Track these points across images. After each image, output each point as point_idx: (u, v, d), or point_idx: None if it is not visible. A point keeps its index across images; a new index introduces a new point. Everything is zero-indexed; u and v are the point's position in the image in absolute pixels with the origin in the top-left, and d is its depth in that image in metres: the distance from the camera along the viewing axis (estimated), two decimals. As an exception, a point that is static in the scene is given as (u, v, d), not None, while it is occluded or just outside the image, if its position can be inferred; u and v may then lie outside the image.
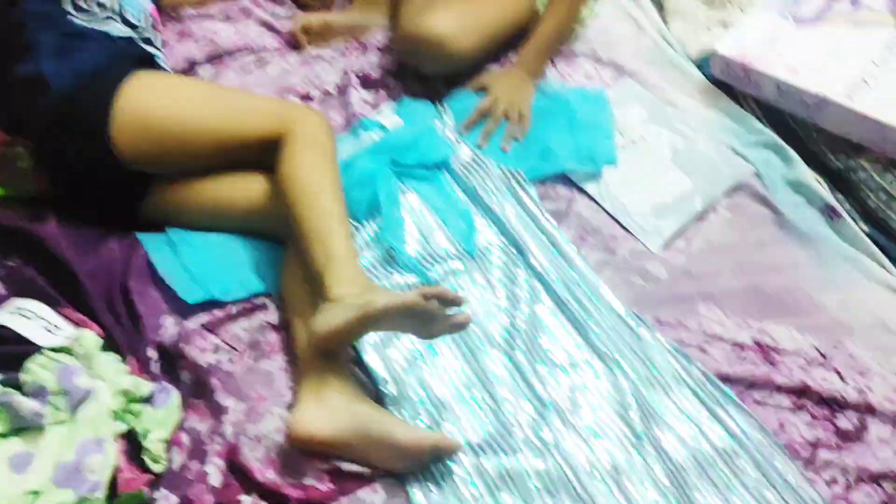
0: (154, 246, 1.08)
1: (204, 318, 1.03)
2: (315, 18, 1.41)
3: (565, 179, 1.21)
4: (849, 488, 0.90)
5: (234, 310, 1.04)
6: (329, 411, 0.88)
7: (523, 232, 1.13)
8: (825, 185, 1.20)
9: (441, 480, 0.90)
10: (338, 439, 0.87)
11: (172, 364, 1.01)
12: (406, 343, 1.01)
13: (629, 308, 1.05)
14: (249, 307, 1.05)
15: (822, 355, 1.02)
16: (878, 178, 1.17)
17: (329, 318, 0.88)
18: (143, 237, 1.08)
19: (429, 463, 0.90)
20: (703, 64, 1.37)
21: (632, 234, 1.14)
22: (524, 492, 0.89)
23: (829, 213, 1.17)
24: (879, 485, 0.90)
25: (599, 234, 1.15)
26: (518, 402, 0.97)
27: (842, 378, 1.00)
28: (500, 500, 0.89)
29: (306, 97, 1.32)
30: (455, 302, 0.89)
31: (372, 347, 0.99)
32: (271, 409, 0.96)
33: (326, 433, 0.87)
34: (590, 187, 1.20)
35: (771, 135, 1.25)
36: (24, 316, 0.94)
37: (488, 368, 0.99)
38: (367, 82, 1.34)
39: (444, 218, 1.15)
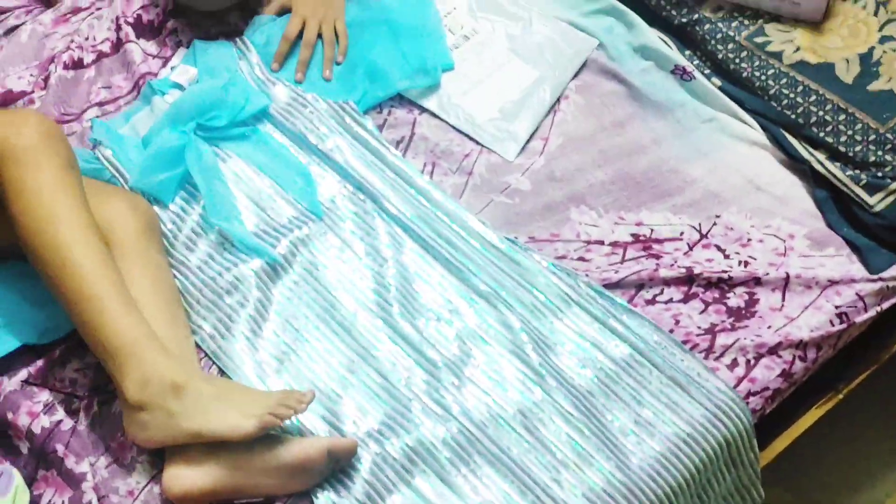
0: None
1: (23, 372, 0.87)
2: None
3: (403, 100, 1.08)
4: (750, 366, 0.89)
5: (57, 352, 0.88)
6: (197, 463, 0.76)
7: (368, 174, 1.00)
8: (673, 44, 1.13)
9: (348, 481, 0.82)
10: (220, 486, 0.77)
11: (4, 435, 0.85)
12: (270, 336, 0.90)
13: (500, 233, 0.96)
14: (75, 343, 0.89)
15: (701, 233, 0.99)
16: (723, 28, 1.10)
17: (147, 434, 0.76)
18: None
19: (329, 470, 0.81)
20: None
21: (485, 147, 1.04)
22: (436, 467, 0.83)
23: (681, 74, 1.10)
24: (778, 355, 0.90)
25: (451, 155, 1.04)
26: (408, 370, 0.88)
27: (724, 254, 0.97)
28: (413, 485, 0.82)
29: (77, 64, 1.09)
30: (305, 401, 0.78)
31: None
32: (138, 456, 0.83)
33: (205, 485, 0.76)
34: (430, 102, 1.07)
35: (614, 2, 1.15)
36: None
37: (367, 341, 0.90)
38: (145, 29, 1.12)
39: (276, 179, 1.00)
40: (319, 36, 1.09)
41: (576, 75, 1.10)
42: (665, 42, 1.12)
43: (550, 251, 0.97)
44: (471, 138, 1.05)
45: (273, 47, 1.09)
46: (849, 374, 1.00)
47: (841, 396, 1.00)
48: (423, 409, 0.86)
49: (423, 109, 1.07)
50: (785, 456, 0.96)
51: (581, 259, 0.97)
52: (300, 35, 1.08)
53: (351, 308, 0.92)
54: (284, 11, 1.11)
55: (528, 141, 1.05)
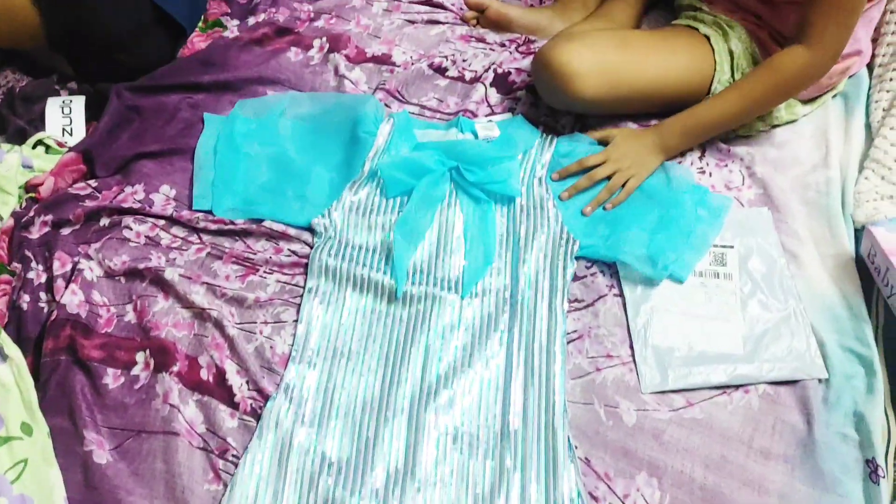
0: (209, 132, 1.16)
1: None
2: (495, 5, 1.37)
3: (611, 271, 1.09)
4: None
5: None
6: None
7: (529, 304, 1.04)
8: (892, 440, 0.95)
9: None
10: None
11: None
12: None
13: (568, 437, 0.94)
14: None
15: None
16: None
17: None
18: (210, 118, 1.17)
19: None
20: (858, 235, 1.13)
21: (635, 361, 1.01)
22: None
23: (873, 470, 0.93)
24: None
25: (600, 344, 1.03)
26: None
27: None
28: None
29: (438, 69, 1.31)
30: None
31: None
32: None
33: None
34: (629, 288, 1.07)
35: (874, 354, 1.01)
36: (63, 106, 1.10)
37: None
38: (501, 84, 1.29)
39: (468, 243, 1.10)
40: (607, 178, 1.15)
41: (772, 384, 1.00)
42: (889, 430, 0.96)
43: (590, 483, 0.92)
44: (631, 346, 1.03)
45: (567, 161, 1.18)
46: None
47: None
48: None
49: (621, 293, 1.07)
50: None
51: (608, 515, 0.90)
52: (595, 169, 1.15)
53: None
54: (603, 141, 1.19)
55: (665, 394, 0.99)
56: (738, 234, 1.12)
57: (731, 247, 1.12)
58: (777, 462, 0.94)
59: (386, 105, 1.25)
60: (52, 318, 0.99)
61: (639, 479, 0.93)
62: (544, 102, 1.23)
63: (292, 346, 1.00)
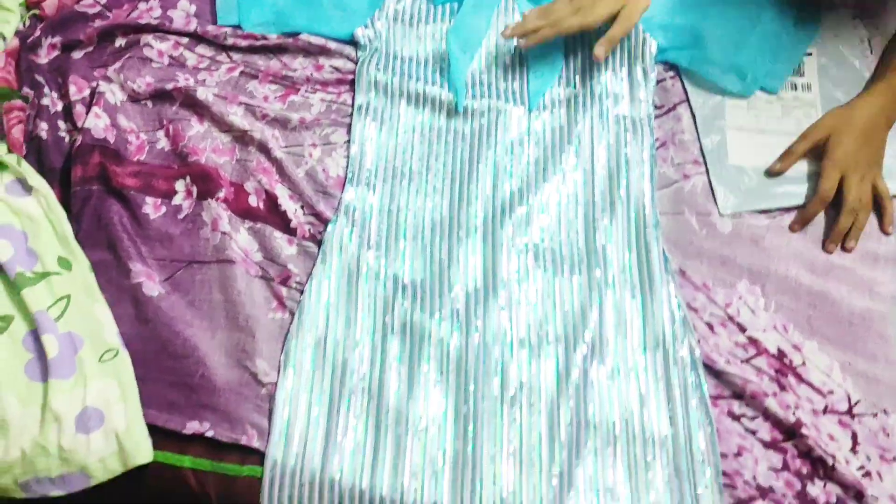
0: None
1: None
2: None
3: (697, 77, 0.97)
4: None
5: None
6: None
7: (608, 113, 0.93)
8: None
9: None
10: None
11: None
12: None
13: (663, 249, 0.85)
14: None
15: (850, 409, 0.79)
16: None
17: None
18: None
19: None
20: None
21: (711, 180, 0.90)
22: None
23: None
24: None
25: (686, 150, 0.93)
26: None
27: (854, 447, 0.77)
28: None
29: None
30: None
31: None
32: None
33: None
34: (698, 102, 0.94)
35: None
36: None
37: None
38: None
39: (531, 55, 0.97)
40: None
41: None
42: None
43: (688, 295, 0.85)
44: (705, 162, 0.92)
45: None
46: None
47: None
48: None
49: (687, 98, 0.96)
50: None
51: (709, 326, 0.83)
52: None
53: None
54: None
55: (756, 211, 0.90)
56: (818, 40, 1.00)
57: (809, 54, 1.01)
58: (887, 265, 0.87)
59: None
60: (78, 143, 0.88)
61: (740, 286, 0.85)
62: None
63: (346, 167, 0.90)
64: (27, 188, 0.86)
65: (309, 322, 0.81)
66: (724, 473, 0.76)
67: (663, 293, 0.83)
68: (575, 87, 0.95)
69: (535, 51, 0.96)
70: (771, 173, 0.91)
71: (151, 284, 0.83)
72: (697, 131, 0.94)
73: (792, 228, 0.88)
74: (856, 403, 0.79)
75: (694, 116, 0.94)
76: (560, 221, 0.87)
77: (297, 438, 0.76)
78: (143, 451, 0.76)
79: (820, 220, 0.89)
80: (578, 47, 0.97)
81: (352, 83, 0.96)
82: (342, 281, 0.83)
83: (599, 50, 0.89)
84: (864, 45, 1.00)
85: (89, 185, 0.87)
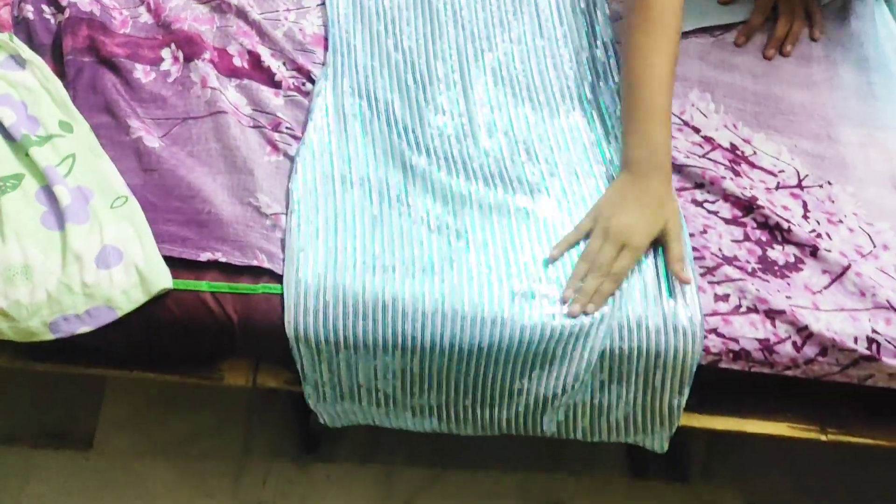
0: None
1: None
2: None
3: None
4: (737, 310, 0.80)
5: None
6: None
7: None
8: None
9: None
10: None
11: None
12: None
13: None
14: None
15: (799, 182, 0.88)
16: None
17: None
18: None
19: None
20: None
21: None
22: None
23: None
24: (773, 322, 0.79)
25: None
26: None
27: (805, 214, 0.86)
28: None
29: None
30: None
31: None
32: None
33: None
34: None
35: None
36: None
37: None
38: None
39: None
40: None
41: None
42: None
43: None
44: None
45: None
46: (849, 424, 0.86)
47: (824, 439, 0.86)
48: None
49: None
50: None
51: (668, 131, 0.92)
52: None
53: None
54: None
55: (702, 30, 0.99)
56: None
57: None
58: (819, 62, 0.96)
59: None
60: (66, 16, 0.92)
61: (692, 95, 0.94)
62: None
63: (322, 26, 0.96)
64: (21, 62, 0.90)
65: (308, 160, 0.87)
66: (693, 248, 0.84)
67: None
68: None
69: None
70: (721, 1, 0.99)
71: (151, 138, 0.88)
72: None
73: (737, 42, 0.97)
74: (804, 177, 0.88)
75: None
76: (530, 67, 0.95)
77: (305, 256, 0.81)
78: (163, 278, 0.81)
79: (759, 35, 0.98)
80: None
81: (318, -49, 1.02)
82: (334, 125, 0.89)
83: (686, 275, 0.79)
84: None
85: (81, 56, 0.91)
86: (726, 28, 0.99)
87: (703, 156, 0.90)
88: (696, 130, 0.91)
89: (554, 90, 0.93)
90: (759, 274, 0.83)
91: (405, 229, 0.83)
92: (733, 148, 0.90)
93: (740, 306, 0.81)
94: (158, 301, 0.80)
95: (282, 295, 0.80)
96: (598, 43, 0.96)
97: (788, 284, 0.82)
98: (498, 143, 0.89)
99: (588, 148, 0.89)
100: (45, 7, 0.95)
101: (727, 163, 0.89)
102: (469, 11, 0.98)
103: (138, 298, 0.81)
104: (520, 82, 0.94)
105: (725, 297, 0.81)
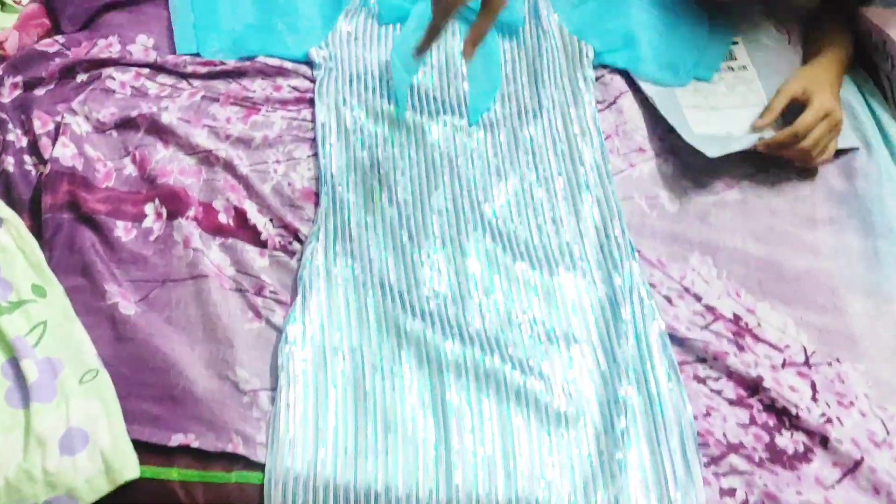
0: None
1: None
2: None
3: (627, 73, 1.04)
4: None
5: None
6: None
7: (556, 122, 0.99)
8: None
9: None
10: None
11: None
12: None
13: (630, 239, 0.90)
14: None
15: (807, 360, 0.84)
16: None
17: None
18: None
19: None
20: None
21: (684, 142, 0.95)
22: None
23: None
24: (781, 519, 0.74)
25: (630, 139, 0.99)
26: None
27: (814, 396, 0.82)
28: None
29: None
30: None
31: None
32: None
33: None
34: (652, 90, 1.02)
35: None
36: None
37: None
38: None
39: (471, 72, 1.02)
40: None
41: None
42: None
43: (645, 272, 0.89)
44: (661, 138, 0.99)
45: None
46: None
47: None
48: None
49: (638, 87, 1.03)
50: None
51: (667, 299, 0.88)
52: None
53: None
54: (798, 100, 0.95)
55: (702, 182, 0.95)
56: (741, 33, 1.08)
57: (736, 42, 1.09)
58: (824, 225, 0.93)
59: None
60: (47, 171, 0.89)
61: (692, 259, 0.91)
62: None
63: (313, 180, 0.93)
64: (-4, 220, 0.87)
65: (296, 330, 0.82)
66: (697, 433, 0.79)
67: (633, 280, 0.87)
68: (522, 100, 1.01)
69: (475, 65, 1.01)
70: (756, 129, 0.96)
71: (127, 304, 0.84)
72: (656, 112, 0.99)
73: (759, 148, 0.93)
74: (812, 354, 0.84)
75: (649, 99, 1.00)
76: (528, 227, 0.91)
77: (293, 443, 0.76)
78: (129, 467, 0.76)
79: (762, 194, 0.95)
80: (522, 67, 1.03)
81: (311, 101, 1.00)
82: (324, 291, 0.85)
83: (468, 50, 0.83)
84: (781, 33, 1.09)
85: (59, 213, 0.88)
86: (728, 185, 0.96)
87: (706, 327, 0.86)
88: (698, 298, 0.88)
89: (552, 247, 0.90)
90: (768, 465, 0.77)
91: (398, 409, 0.78)
92: (737, 319, 0.86)
93: (748, 502, 0.75)
94: (123, 489, 0.75)
95: (258, 485, 0.75)
96: (593, 196, 0.93)
97: (798, 478, 0.77)
98: (495, 304, 0.86)
99: (588, 312, 0.85)
100: (26, 158, 0.93)
101: (731, 335, 0.85)
102: (465, 160, 0.96)
103: (102, 488, 0.76)
104: (517, 237, 0.90)
105: (732, 492, 0.76)
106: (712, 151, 0.94)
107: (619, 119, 1.00)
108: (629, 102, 1.01)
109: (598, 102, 1.01)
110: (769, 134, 0.95)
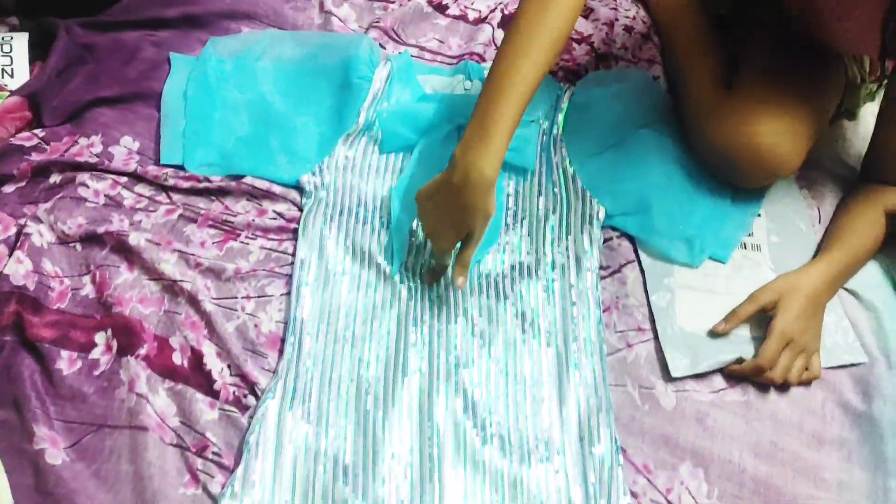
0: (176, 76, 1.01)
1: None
2: None
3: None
4: None
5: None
6: None
7: (554, 284, 0.90)
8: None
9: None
10: None
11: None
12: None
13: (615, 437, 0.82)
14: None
15: None
16: None
17: None
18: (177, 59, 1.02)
19: None
20: None
21: (659, 343, 0.88)
22: None
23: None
24: None
25: (630, 316, 0.91)
26: None
27: None
28: None
29: (438, 6, 1.16)
30: None
31: None
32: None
33: None
34: (648, 261, 0.93)
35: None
36: (2, 43, 0.96)
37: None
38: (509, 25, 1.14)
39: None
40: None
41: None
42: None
43: (627, 477, 0.80)
44: (652, 320, 0.90)
45: (584, 115, 1.04)
46: None
47: None
48: None
49: (640, 265, 0.94)
50: None
51: (649, 511, 0.79)
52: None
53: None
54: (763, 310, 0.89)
55: (703, 375, 0.87)
56: (765, 203, 1.00)
57: (759, 214, 1.01)
58: (832, 448, 0.84)
59: (381, 46, 1.10)
60: (-7, 292, 0.83)
61: (682, 470, 0.82)
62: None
63: (282, 324, 0.86)
64: (-67, 337, 0.81)
65: None
66: None
67: (612, 486, 0.78)
68: (520, 255, 0.93)
69: None
70: (714, 333, 0.89)
71: (55, 451, 0.77)
72: (646, 291, 0.92)
73: (727, 379, 0.86)
74: None
75: (644, 274, 0.93)
76: (506, 403, 0.84)
77: None
78: None
79: (768, 398, 0.87)
80: (527, 214, 0.96)
81: (294, 231, 0.93)
82: (270, 461, 0.77)
83: (460, 281, 0.84)
84: (812, 210, 1.01)
85: (2, 336, 0.82)
86: (730, 381, 0.87)
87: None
88: (682, 517, 0.79)
89: (528, 431, 0.81)
90: None
91: None
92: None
93: None
94: None
95: None
96: (581, 377, 0.85)
97: None
98: (454, 495, 0.77)
99: None
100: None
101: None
102: (447, 316, 0.87)
103: None
104: (491, 414, 0.82)
105: None
106: (677, 368, 0.86)
107: (621, 291, 0.92)
108: (634, 274, 0.93)
109: (601, 268, 0.94)
110: (747, 351, 0.87)
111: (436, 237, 0.86)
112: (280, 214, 0.94)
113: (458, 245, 0.86)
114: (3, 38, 1.03)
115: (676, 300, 0.91)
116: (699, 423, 0.85)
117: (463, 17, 1.15)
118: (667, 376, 0.87)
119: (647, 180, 0.97)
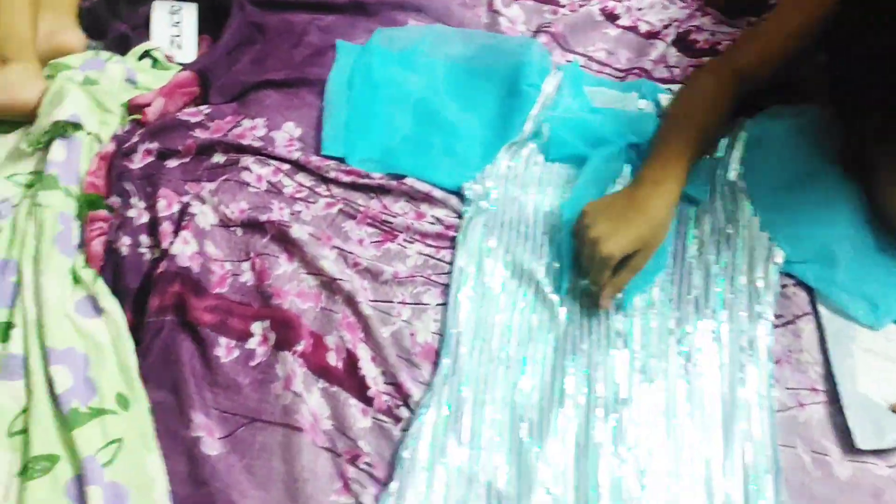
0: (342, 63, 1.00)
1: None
2: None
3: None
4: None
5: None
6: None
7: (722, 328, 0.85)
8: None
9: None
10: None
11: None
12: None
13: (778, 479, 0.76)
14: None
15: None
16: None
17: None
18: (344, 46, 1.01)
19: None
20: None
21: (845, 416, 0.81)
22: None
23: None
24: None
25: (804, 373, 0.85)
26: None
27: None
28: None
29: (610, 15, 1.11)
30: None
31: None
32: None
33: None
34: (828, 317, 0.87)
35: None
36: (172, 13, 0.94)
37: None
38: (683, 44, 1.08)
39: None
40: None
41: None
42: None
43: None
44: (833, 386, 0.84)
45: (760, 152, 0.98)
46: None
47: None
48: None
49: (818, 319, 0.87)
50: None
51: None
52: None
53: None
54: None
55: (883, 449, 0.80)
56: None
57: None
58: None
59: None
60: (160, 270, 0.82)
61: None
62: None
63: (437, 336, 0.83)
64: (97, 309, 0.80)
65: None
66: None
67: None
68: (688, 289, 0.88)
69: None
70: (894, 411, 0.82)
71: (211, 441, 0.75)
72: (824, 350, 0.86)
73: None
74: None
75: (821, 330, 0.86)
76: (667, 449, 0.79)
77: None
78: None
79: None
80: (696, 247, 0.90)
81: (452, 239, 0.90)
82: (427, 480, 0.74)
83: (605, 303, 0.83)
84: None
85: (163, 316, 0.81)
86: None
87: None
88: None
89: (689, 483, 0.77)
90: None
91: None
92: None
93: None
94: None
95: None
96: (750, 431, 0.79)
97: None
98: None
99: None
100: (143, 238, 0.85)
101: None
102: (605, 346, 0.83)
103: None
104: (650, 462, 0.77)
105: None
106: (865, 440, 0.79)
107: (795, 345, 0.86)
108: (810, 328, 0.87)
109: (775, 316, 0.88)
110: None
111: (604, 240, 0.80)
112: (439, 220, 0.91)
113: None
114: (172, 8, 1.02)
115: (858, 364, 0.85)
116: (875, 499, 0.78)
117: (634, 29, 1.10)
118: (842, 443, 0.81)
119: (834, 229, 0.90)
